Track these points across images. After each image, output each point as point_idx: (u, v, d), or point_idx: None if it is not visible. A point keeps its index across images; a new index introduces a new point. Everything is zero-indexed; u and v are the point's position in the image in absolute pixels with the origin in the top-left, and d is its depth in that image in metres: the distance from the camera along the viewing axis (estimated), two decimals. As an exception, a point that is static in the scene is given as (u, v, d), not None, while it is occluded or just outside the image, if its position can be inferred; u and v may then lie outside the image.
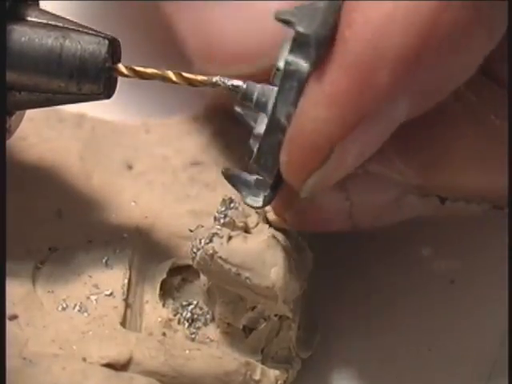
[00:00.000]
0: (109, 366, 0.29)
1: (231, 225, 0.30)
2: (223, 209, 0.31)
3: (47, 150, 0.34)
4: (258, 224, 0.31)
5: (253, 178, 0.29)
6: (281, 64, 0.25)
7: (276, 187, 0.29)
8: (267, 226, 0.31)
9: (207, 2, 0.30)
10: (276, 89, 0.26)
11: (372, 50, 0.24)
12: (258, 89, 0.27)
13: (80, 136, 0.35)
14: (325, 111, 0.25)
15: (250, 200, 0.29)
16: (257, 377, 0.30)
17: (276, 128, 0.26)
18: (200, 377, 0.29)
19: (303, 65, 0.24)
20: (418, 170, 0.29)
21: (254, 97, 0.27)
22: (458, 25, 0.24)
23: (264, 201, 0.29)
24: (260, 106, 0.27)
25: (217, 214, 0.31)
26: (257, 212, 0.31)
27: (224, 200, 0.31)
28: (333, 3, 0.25)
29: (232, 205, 0.31)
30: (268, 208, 0.31)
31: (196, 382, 0.29)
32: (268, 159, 0.27)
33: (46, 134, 0.35)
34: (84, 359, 0.29)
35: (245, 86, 0.27)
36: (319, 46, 0.24)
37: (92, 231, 0.32)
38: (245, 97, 0.27)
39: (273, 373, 0.30)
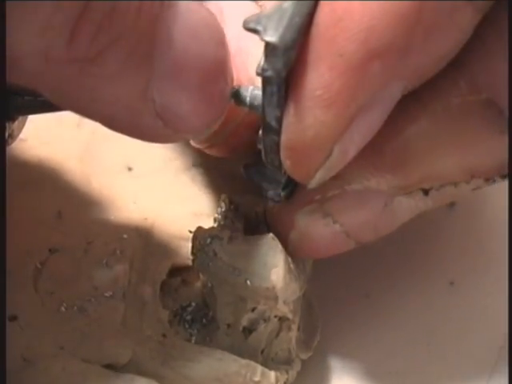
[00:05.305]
0: (109, 367, 0.29)
1: (231, 226, 0.30)
2: (223, 210, 0.31)
3: (47, 151, 0.34)
4: (258, 225, 0.31)
5: (270, 172, 0.29)
6: (259, 70, 0.25)
7: (291, 181, 0.29)
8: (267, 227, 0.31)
9: None
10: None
11: (363, 47, 0.24)
12: (249, 93, 0.27)
13: (80, 138, 0.35)
14: (322, 115, 0.25)
15: (271, 194, 0.29)
16: (257, 378, 0.29)
17: (269, 130, 0.26)
18: (200, 378, 0.29)
19: (277, 70, 0.24)
20: (393, 172, 0.28)
21: (247, 101, 0.27)
22: (443, 7, 0.24)
23: (283, 195, 0.29)
24: (254, 109, 0.27)
25: (217, 216, 0.32)
26: (257, 214, 0.32)
27: (224, 201, 0.31)
28: (299, 3, 0.24)
29: (232, 206, 0.31)
30: (268, 208, 0.32)
31: (196, 383, 0.29)
32: (274, 158, 0.27)
33: (46, 135, 0.35)
34: (84, 360, 0.28)
35: (237, 90, 0.27)
36: (288, 50, 0.24)
37: (92, 232, 0.32)
38: (239, 101, 0.27)
39: (273, 374, 0.30)
